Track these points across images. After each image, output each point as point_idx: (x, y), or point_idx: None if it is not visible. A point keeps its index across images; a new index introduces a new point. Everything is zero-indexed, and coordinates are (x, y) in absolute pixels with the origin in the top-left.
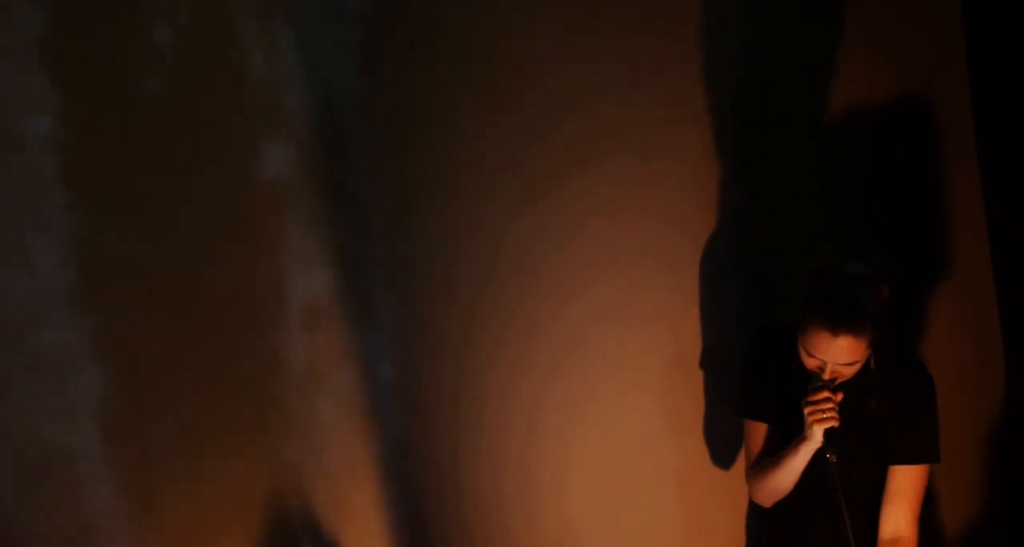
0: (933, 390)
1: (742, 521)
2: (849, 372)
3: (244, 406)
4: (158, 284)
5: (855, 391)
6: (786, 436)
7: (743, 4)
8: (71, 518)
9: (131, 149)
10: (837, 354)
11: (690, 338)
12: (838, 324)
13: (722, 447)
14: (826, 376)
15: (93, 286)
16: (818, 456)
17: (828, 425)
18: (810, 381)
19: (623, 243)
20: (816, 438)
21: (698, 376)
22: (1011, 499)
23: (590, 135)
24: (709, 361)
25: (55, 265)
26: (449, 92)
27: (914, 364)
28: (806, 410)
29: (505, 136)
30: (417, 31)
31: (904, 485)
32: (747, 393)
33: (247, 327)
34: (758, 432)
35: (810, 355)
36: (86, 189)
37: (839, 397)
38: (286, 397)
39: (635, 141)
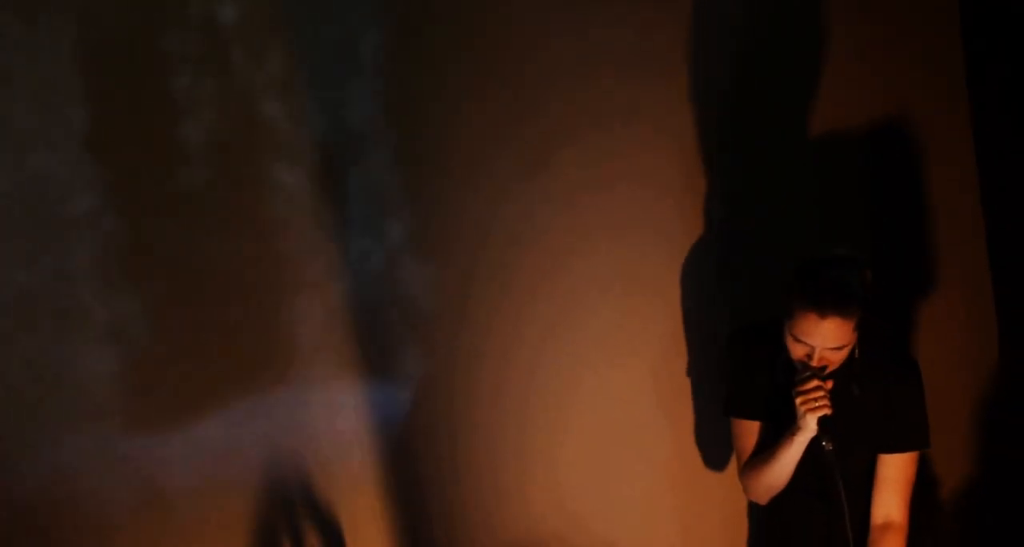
0: (919, 377)
1: (740, 500)
2: (836, 358)
3: (246, 389)
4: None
5: (841, 380)
6: (778, 432)
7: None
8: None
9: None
10: (825, 337)
11: (685, 310)
12: (825, 305)
13: (719, 424)
14: (814, 363)
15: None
16: (812, 445)
17: (821, 413)
18: (798, 371)
19: (618, 216)
20: (810, 427)
21: (692, 349)
22: (1005, 486)
23: (587, 108)
24: (701, 342)
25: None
26: (444, 67)
27: (900, 354)
28: (798, 400)
29: (501, 110)
30: (413, 8)
31: (894, 473)
32: (734, 393)
33: (250, 314)
34: (749, 431)
35: (797, 340)
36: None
37: (829, 385)
38: (287, 379)
39: (633, 114)
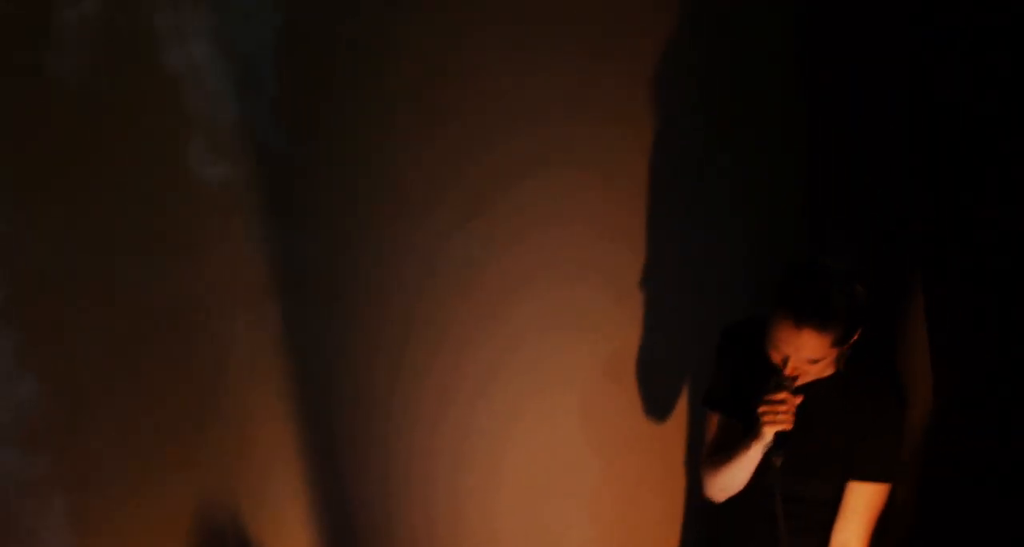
0: (903, 408)
1: (673, 532)
2: (812, 370)
3: (178, 419)
4: (91, 293)
5: (821, 394)
6: (749, 432)
7: (692, 22)
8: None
9: (52, 148)
10: (799, 348)
11: (626, 349)
12: (802, 316)
13: (659, 456)
14: (788, 372)
15: (22, 297)
16: (765, 456)
17: (780, 428)
18: (771, 378)
19: (561, 255)
20: (766, 438)
21: (632, 386)
22: (937, 510)
23: (530, 148)
24: (648, 374)
25: None
26: (390, 103)
27: (886, 379)
28: (760, 409)
29: (445, 148)
30: (358, 37)
31: (861, 502)
32: (715, 385)
33: (183, 340)
34: (720, 426)
35: (774, 347)
36: (9, 194)
37: (798, 400)
38: (221, 410)
39: (574, 154)
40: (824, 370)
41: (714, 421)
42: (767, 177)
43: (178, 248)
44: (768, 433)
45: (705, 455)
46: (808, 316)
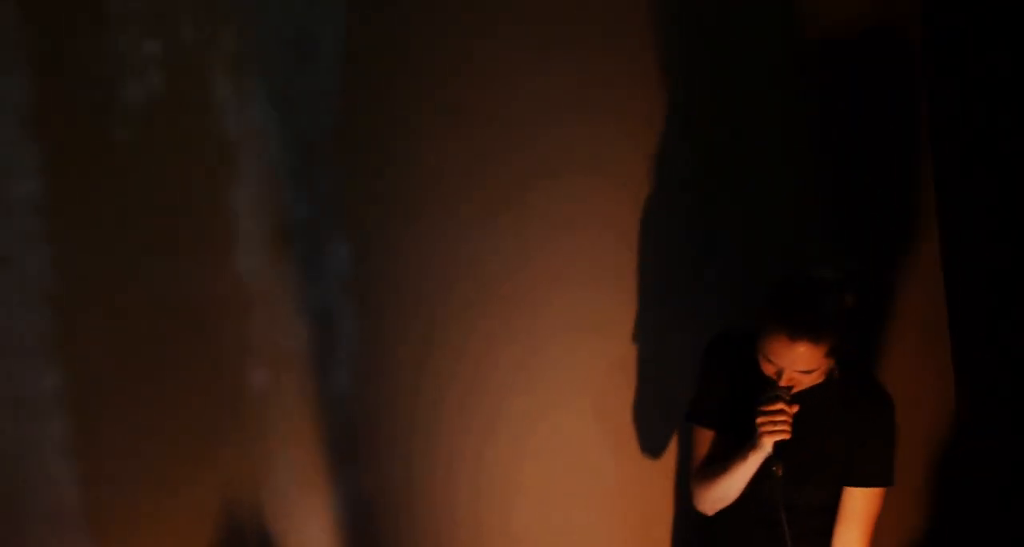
0: (893, 412)
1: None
2: (807, 380)
3: (201, 420)
4: (117, 294)
5: (814, 402)
6: (739, 443)
7: (701, 23)
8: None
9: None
10: (794, 360)
11: (646, 353)
12: (796, 330)
13: (672, 462)
14: (783, 382)
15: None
16: (764, 466)
17: (779, 438)
18: (766, 389)
19: (582, 258)
20: (765, 448)
21: (649, 389)
22: (957, 519)
23: (549, 151)
24: (659, 375)
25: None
26: (409, 108)
27: (874, 384)
28: (758, 420)
29: (465, 152)
30: (380, 50)
31: (858, 508)
32: (700, 399)
33: (206, 342)
34: (707, 439)
35: (767, 360)
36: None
37: (794, 409)
38: (243, 411)
39: (594, 157)
40: (818, 378)
41: (701, 434)
42: (769, 177)
43: (199, 252)
44: (767, 444)
45: (696, 469)
46: (802, 331)
